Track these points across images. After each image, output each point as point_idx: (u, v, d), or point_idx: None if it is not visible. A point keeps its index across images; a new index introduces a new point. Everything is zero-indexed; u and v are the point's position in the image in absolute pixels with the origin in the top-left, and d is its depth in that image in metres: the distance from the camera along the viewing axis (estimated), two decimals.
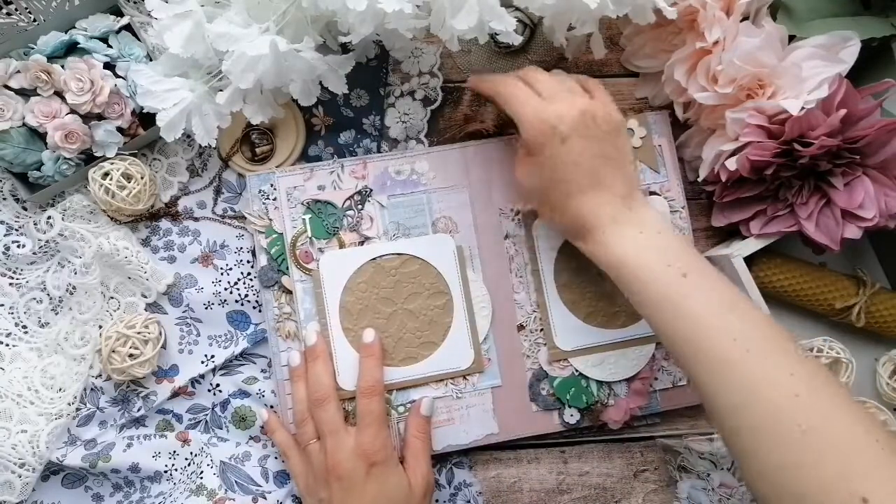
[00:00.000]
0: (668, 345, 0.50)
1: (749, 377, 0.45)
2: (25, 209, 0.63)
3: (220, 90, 0.56)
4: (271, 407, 0.63)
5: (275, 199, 0.62)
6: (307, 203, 0.62)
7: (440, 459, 0.64)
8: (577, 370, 0.63)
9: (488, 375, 0.63)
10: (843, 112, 0.56)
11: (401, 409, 0.62)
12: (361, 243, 0.62)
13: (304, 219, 0.62)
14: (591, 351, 0.63)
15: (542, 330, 0.63)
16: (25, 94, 0.58)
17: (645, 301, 0.51)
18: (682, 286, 0.49)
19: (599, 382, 0.63)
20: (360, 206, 0.62)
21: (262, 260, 0.62)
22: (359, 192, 0.62)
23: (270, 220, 0.62)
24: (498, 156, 0.64)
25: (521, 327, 0.63)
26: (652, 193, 0.64)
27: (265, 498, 0.63)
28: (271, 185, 0.62)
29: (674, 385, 0.65)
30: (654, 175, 0.65)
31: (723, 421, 0.46)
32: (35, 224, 0.62)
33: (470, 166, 0.63)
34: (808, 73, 0.56)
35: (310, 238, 0.62)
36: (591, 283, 0.63)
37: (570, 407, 0.63)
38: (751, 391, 0.44)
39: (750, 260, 0.62)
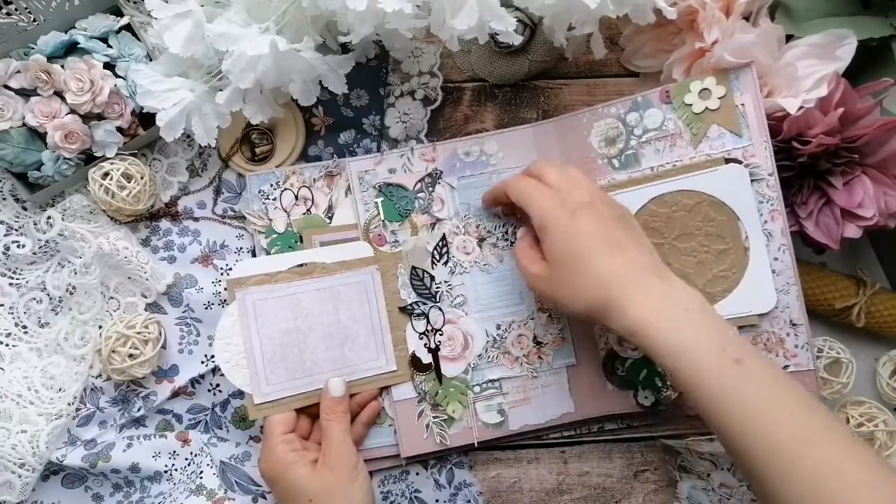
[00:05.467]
0: (721, 433, 0.47)
1: (813, 468, 0.44)
2: (25, 209, 0.63)
3: (220, 90, 0.56)
4: None
5: (275, 199, 0.62)
6: (379, 186, 0.63)
7: (440, 460, 0.64)
8: None
9: (563, 353, 0.62)
10: (841, 111, 0.56)
11: (476, 388, 0.61)
12: (433, 225, 0.63)
13: (376, 202, 0.62)
14: None
15: None
16: (25, 94, 0.58)
17: (695, 385, 0.47)
18: (737, 375, 0.47)
19: None
20: (430, 189, 0.63)
21: None
22: (429, 175, 0.63)
23: (270, 220, 0.62)
24: (568, 132, 0.62)
25: None
26: (730, 160, 0.58)
27: (265, 498, 0.63)
28: (271, 185, 0.62)
29: None
30: (734, 139, 0.58)
31: None
32: (35, 224, 0.62)
33: (539, 145, 0.63)
34: (803, 72, 0.56)
35: (382, 221, 0.62)
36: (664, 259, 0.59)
37: (643, 389, 0.62)
38: (816, 482, 0.43)
39: None
